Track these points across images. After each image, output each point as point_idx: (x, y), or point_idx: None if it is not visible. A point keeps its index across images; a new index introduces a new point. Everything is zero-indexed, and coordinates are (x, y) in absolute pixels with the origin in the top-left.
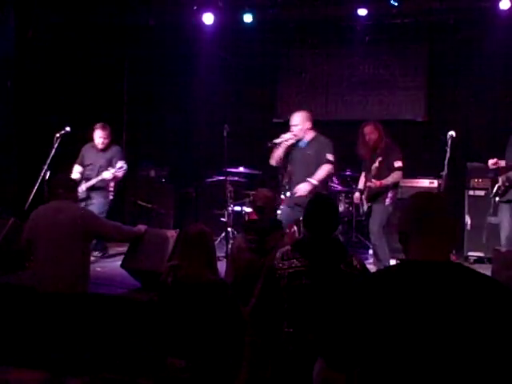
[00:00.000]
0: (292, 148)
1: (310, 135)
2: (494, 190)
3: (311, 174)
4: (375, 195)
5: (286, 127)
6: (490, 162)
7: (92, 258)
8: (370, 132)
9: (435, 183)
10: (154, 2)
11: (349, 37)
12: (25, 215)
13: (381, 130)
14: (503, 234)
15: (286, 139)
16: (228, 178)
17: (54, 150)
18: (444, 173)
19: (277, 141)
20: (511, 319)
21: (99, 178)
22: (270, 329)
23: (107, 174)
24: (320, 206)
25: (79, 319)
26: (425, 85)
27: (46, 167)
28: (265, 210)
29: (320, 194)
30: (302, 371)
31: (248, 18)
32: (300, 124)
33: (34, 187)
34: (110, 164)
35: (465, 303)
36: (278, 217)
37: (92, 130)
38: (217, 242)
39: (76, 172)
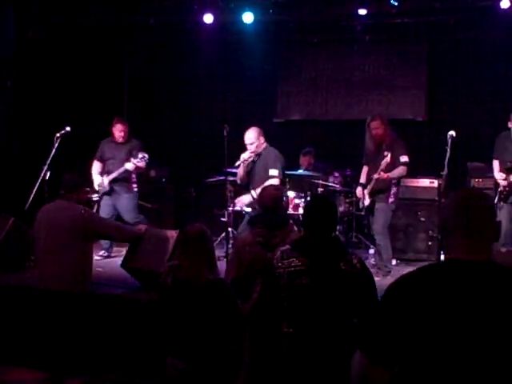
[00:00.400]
0: (251, 164)
1: (261, 148)
2: (497, 196)
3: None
4: (379, 191)
5: (286, 127)
6: (502, 182)
7: (98, 258)
8: (376, 127)
9: (435, 183)
10: (153, 1)
11: (349, 36)
12: (25, 215)
13: (386, 125)
14: (501, 231)
15: (245, 159)
16: (228, 178)
17: (54, 150)
18: (444, 172)
19: (237, 163)
20: None
21: (121, 169)
22: (270, 329)
23: (129, 165)
24: (319, 205)
25: (79, 319)
26: (425, 85)
27: (46, 167)
28: (272, 208)
29: (318, 194)
30: (302, 371)
31: (248, 17)
32: (255, 140)
33: (34, 187)
34: (130, 156)
35: (507, 303)
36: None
37: (110, 126)
38: (217, 242)
39: (96, 167)
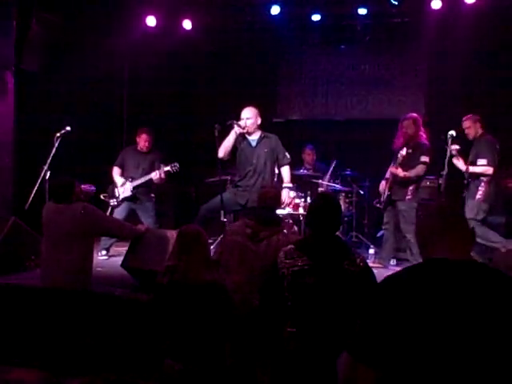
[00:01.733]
0: (241, 143)
1: (253, 128)
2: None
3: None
4: (397, 188)
5: (286, 127)
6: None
7: (105, 258)
8: (407, 126)
9: (435, 183)
10: (153, 2)
11: (349, 36)
12: (25, 215)
13: (419, 127)
14: None
15: (240, 125)
16: (228, 178)
17: (54, 150)
18: (444, 172)
19: (229, 122)
20: None
21: (146, 177)
22: (273, 328)
23: (154, 175)
24: (323, 204)
25: (79, 318)
26: (425, 84)
27: (46, 167)
28: (269, 207)
29: (323, 193)
30: (306, 371)
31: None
32: (254, 118)
33: (34, 187)
34: (153, 166)
35: (491, 302)
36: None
37: (135, 135)
38: (217, 242)
39: (117, 172)
